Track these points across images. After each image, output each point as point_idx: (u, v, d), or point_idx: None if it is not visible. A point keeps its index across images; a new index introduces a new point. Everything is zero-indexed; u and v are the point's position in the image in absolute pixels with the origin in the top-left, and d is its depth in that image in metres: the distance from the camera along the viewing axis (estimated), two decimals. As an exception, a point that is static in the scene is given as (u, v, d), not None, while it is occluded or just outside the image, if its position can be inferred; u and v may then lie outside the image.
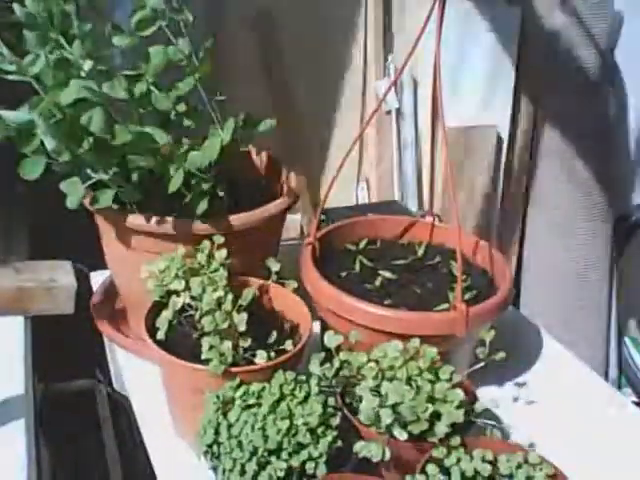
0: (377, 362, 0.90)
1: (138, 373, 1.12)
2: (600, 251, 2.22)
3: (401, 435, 0.83)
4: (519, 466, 0.83)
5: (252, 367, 0.92)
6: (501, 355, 0.93)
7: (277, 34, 1.83)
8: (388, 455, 0.83)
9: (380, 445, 0.83)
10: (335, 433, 0.85)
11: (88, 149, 0.94)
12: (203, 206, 1.01)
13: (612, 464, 1.00)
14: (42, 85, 0.95)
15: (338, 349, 0.93)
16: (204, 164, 0.99)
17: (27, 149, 0.94)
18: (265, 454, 0.82)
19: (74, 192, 0.99)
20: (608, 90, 2.15)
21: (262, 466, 0.82)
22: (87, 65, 0.91)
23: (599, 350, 2.24)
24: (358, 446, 0.84)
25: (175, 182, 0.99)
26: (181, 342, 0.98)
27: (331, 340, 0.92)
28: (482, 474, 0.82)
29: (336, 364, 0.90)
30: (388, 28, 1.93)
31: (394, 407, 0.84)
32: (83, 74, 0.92)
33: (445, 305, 1.03)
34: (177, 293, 0.97)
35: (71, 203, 0.99)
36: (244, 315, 0.93)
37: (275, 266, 1.04)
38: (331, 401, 0.88)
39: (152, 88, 1.00)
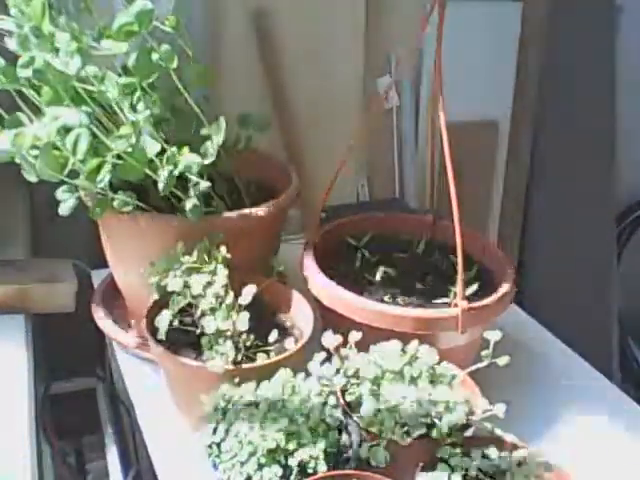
0: (376, 363, 0.90)
1: (139, 371, 1.12)
2: (602, 249, 2.21)
3: (403, 439, 0.83)
4: (519, 464, 0.83)
5: (252, 365, 0.92)
6: (505, 359, 0.91)
7: (276, 32, 1.82)
8: (389, 460, 0.83)
9: (382, 450, 0.83)
10: (335, 432, 0.85)
11: (74, 170, 0.95)
12: (200, 207, 1.01)
13: (613, 463, 1.00)
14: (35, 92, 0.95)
15: (339, 348, 0.92)
16: (199, 166, 0.99)
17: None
18: (264, 453, 0.82)
19: (68, 199, 0.99)
20: (609, 88, 2.15)
21: (261, 465, 0.82)
22: (75, 64, 0.90)
23: (601, 348, 2.24)
24: (361, 450, 0.84)
25: (166, 187, 0.99)
26: (182, 341, 0.98)
27: (329, 341, 0.92)
28: (483, 471, 0.82)
29: (335, 364, 0.90)
30: (389, 25, 1.92)
31: (395, 409, 0.84)
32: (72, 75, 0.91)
33: (446, 301, 1.03)
34: (177, 292, 0.97)
35: (63, 210, 0.99)
36: (245, 314, 0.93)
37: (279, 266, 1.04)
38: (331, 400, 0.88)
39: (147, 90, 0.99)
